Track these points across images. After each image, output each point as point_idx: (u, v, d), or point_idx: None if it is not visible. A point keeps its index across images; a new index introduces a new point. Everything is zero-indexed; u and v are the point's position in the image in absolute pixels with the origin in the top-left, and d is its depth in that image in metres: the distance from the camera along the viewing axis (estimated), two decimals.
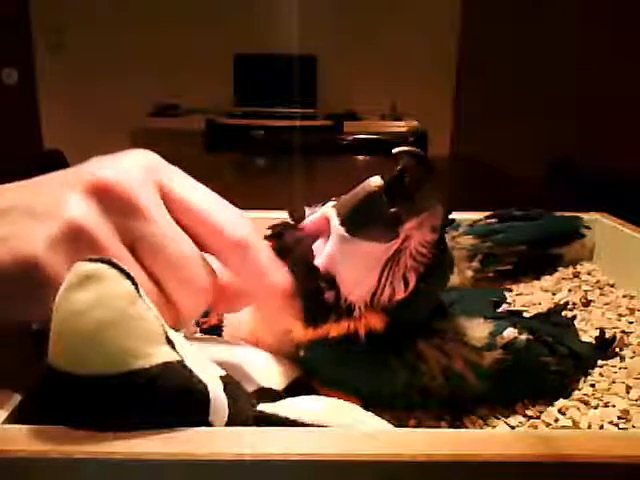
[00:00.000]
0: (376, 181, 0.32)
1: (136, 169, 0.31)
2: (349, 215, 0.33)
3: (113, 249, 0.29)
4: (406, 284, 0.34)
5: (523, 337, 0.38)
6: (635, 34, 1.68)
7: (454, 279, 0.49)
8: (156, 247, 0.30)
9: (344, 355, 0.34)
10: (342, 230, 0.33)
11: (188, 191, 0.32)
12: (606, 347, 0.44)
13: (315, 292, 0.33)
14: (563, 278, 0.60)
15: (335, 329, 0.33)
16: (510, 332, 0.38)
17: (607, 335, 0.44)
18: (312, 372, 0.34)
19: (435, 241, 0.34)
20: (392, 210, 0.32)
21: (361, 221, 0.32)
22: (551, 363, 0.39)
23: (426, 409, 0.35)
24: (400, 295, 0.34)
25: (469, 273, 0.54)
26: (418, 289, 0.34)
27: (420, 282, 0.34)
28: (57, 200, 0.29)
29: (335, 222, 0.33)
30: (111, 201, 0.29)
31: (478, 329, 0.37)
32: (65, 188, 0.30)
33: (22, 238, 0.29)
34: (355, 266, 0.33)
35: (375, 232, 0.32)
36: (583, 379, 0.40)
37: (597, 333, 0.45)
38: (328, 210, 0.34)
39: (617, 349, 0.44)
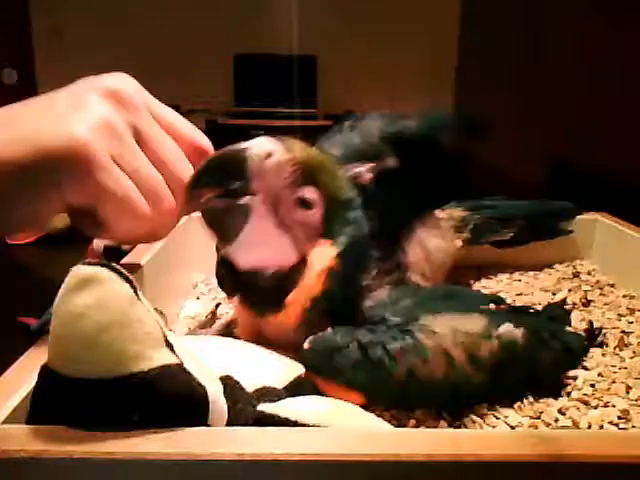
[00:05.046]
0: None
1: (130, 82, 0.38)
2: None
3: (129, 140, 0.36)
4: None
5: (518, 331, 0.38)
6: (635, 35, 1.68)
7: (440, 245, 0.50)
8: (155, 141, 0.37)
9: (345, 348, 0.34)
10: None
11: (164, 109, 0.39)
12: (594, 337, 0.45)
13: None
14: (563, 278, 0.60)
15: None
16: (506, 327, 0.38)
17: (595, 326, 0.47)
18: (314, 366, 0.34)
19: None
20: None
21: None
22: (546, 357, 0.39)
23: (426, 401, 0.35)
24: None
25: (458, 243, 0.55)
26: None
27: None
28: (81, 101, 0.35)
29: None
30: (121, 102, 0.36)
31: (473, 323, 0.37)
32: (83, 94, 0.36)
33: (60, 125, 0.34)
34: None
35: None
36: (583, 379, 0.40)
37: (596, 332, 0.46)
38: None
39: (616, 348, 0.44)
